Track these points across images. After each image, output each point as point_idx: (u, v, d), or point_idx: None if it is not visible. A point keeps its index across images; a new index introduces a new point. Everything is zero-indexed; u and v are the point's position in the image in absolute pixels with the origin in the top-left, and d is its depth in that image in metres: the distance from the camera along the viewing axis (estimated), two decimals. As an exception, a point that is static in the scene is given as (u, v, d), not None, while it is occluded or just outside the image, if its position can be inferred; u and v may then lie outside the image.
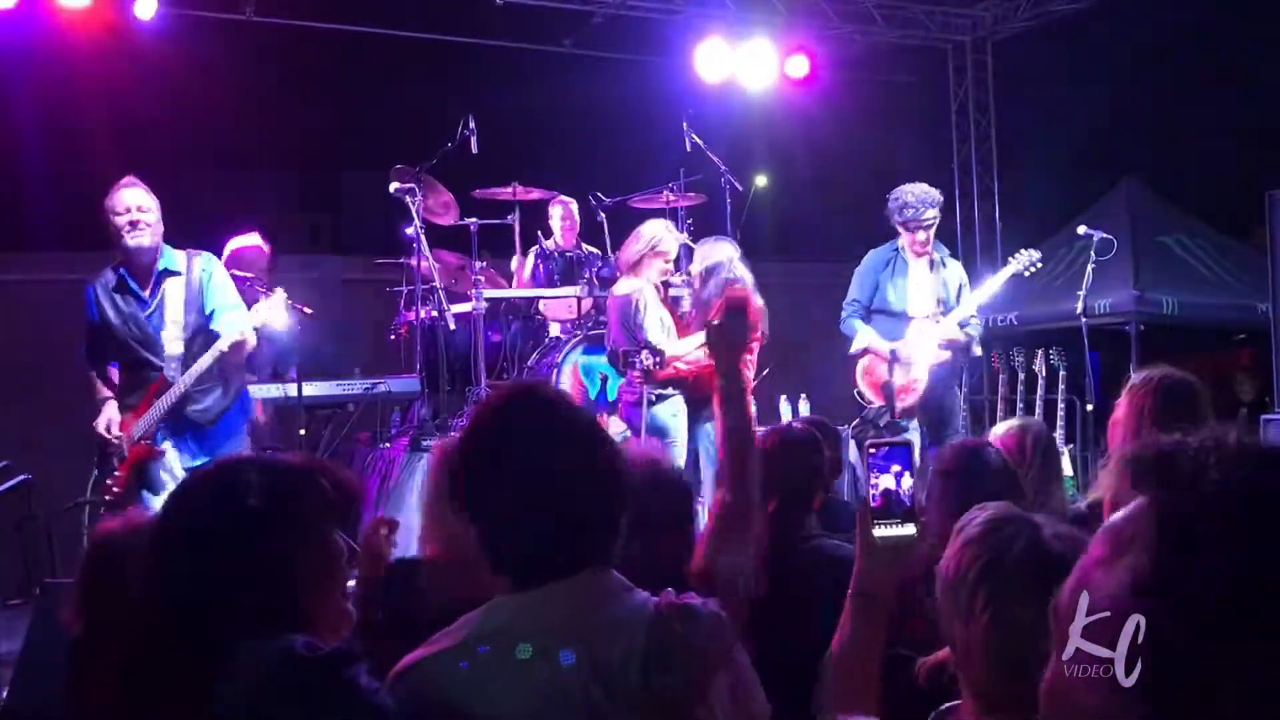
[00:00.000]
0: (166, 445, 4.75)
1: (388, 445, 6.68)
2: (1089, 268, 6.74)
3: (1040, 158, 10.66)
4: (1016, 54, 10.80)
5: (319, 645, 1.58)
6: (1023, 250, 6.40)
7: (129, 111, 7.91)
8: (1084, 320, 6.75)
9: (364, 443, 6.95)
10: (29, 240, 8.15)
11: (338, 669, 1.56)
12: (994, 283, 6.28)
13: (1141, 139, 10.30)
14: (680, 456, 5.70)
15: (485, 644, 1.60)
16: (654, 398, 5.60)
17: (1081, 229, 7.08)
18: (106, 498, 4.67)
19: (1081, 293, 6.71)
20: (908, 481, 1.83)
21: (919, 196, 6.02)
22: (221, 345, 4.66)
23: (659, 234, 5.94)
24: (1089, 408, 7.32)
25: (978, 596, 1.53)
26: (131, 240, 4.66)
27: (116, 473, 4.69)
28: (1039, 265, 6.38)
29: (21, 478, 6.45)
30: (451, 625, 1.67)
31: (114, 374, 4.86)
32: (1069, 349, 7.46)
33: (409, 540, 5.98)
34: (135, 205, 4.68)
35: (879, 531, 1.82)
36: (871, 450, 1.86)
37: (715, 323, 2.15)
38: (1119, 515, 0.89)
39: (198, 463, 4.69)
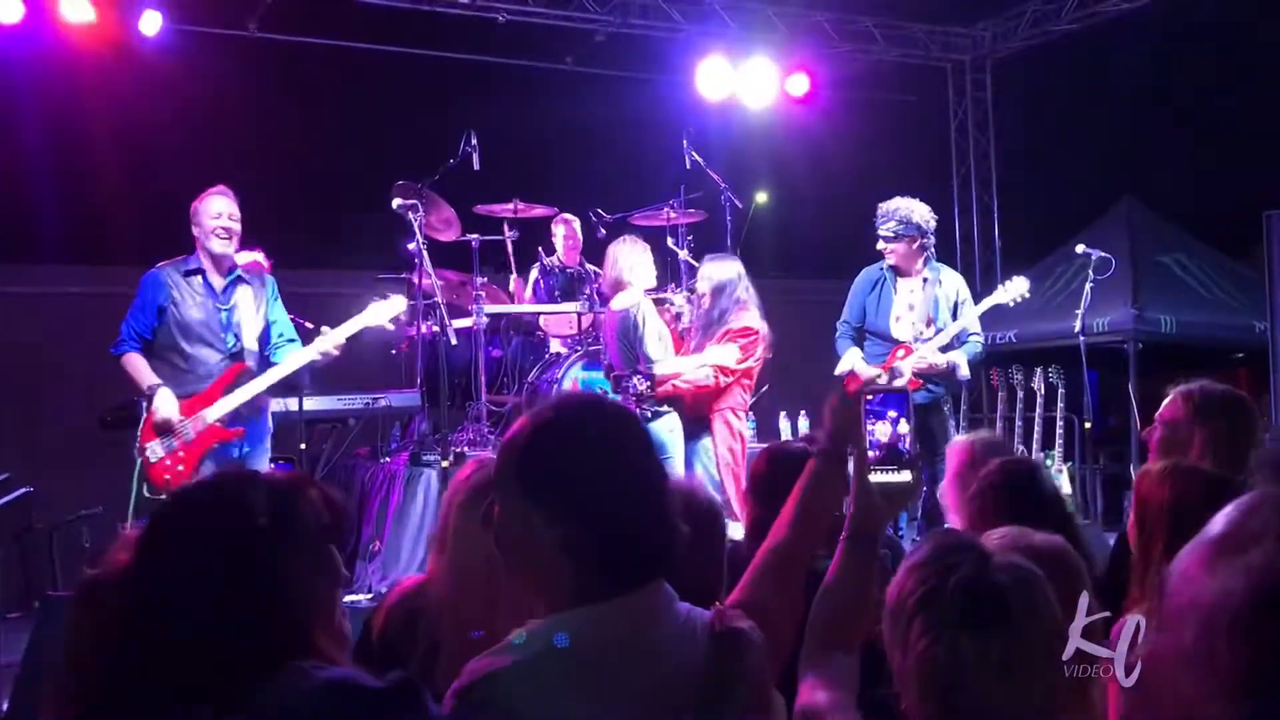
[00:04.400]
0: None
1: (388, 460, 6.70)
2: (1087, 286, 6.77)
3: (1039, 176, 10.71)
4: (1016, 73, 10.85)
5: (369, 676, 1.52)
6: (1014, 279, 6.33)
7: (133, 126, 7.94)
8: (1082, 338, 6.77)
9: (364, 457, 6.97)
10: (33, 253, 8.18)
11: (409, 699, 1.50)
12: (978, 309, 6.12)
13: (1140, 158, 10.33)
14: (678, 472, 5.73)
15: (554, 658, 1.55)
16: (650, 414, 5.62)
17: (1080, 247, 7.11)
18: (166, 477, 4.81)
19: (1080, 311, 6.73)
20: (904, 427, 1.84)
21: (884, 210, 6.00)
22: (319, 349, 5.01)
23: (632, 248, 6.08)
24: (1087, 426, 7.35)
25: (914, 624, 1.52)
26: (219, 246, 5.02)
27: (180, 453, 4.83)
28: (1027, 296, 6.30)
29: (23, 490, 6.46)
30: (507, 639, 1.61)
31: (144, 362, 4.99)
32: (1067, 367, 7.48)
33: (412, 558, 5.98)
34: (229, 213, 5.04)
35: (876, 477, 1.83)
36: (868, 398, 1.86)
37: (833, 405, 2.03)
38: (1227, 512, 0.87)
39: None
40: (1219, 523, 0.87)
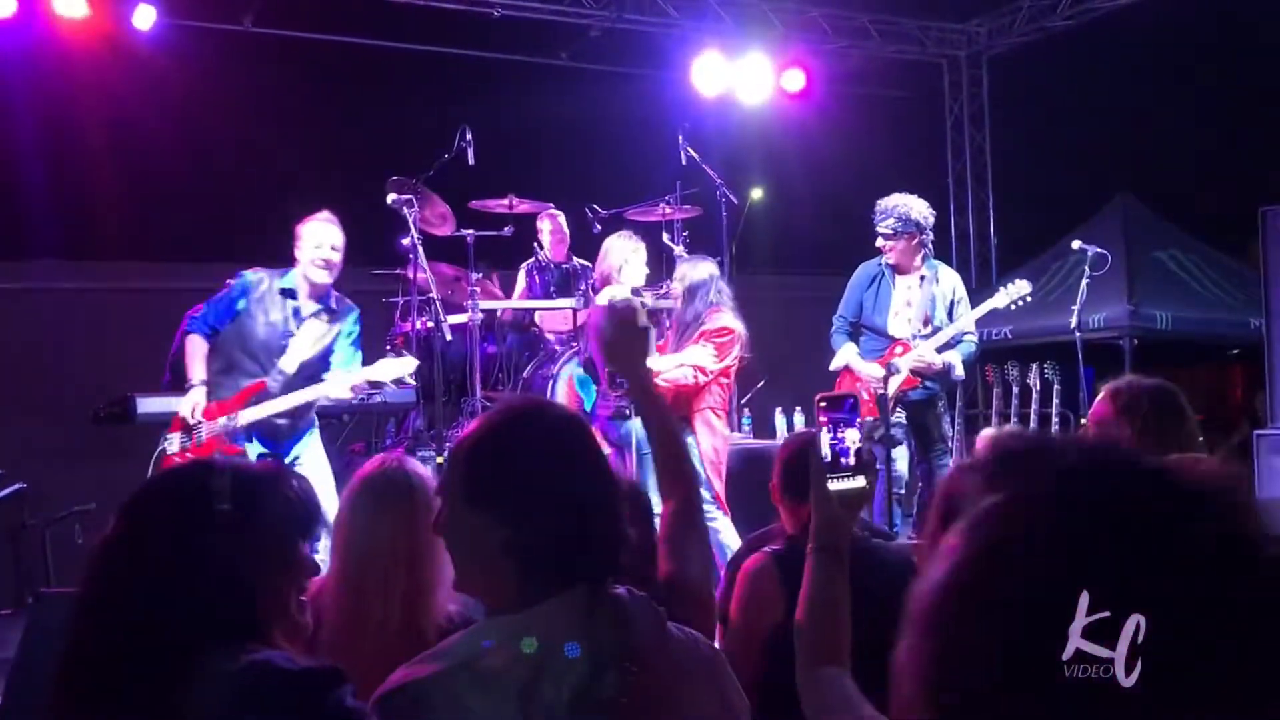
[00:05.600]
0: (246, 448, 4.92)
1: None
2: (1083, 282, 6.76)
3: (1035, 173, 10.71)
4: (1011, 69, 10.85)
5: (296, 660, 1.54)
6: (1014, 282, 6.30)
7: (127, 121, 7.92)
8: (1078, 335, 6.77)
9: (359, 453, 6.94)
10: (26, 249, 8.15)
11: (324, 686, 1.52)
12: (977, 312, 6.12)
13: (1136, 154, 10.34)
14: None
15: (481, 665, 1.52)
16: (630, 412, 5.61)
17: (1076, 244, 7.10)
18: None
19: (1076, 307, 6.72)
20: (856, 434, 1.83)
21: (883, 207, 5.99)
22: (323, 391, 4.90)
23: (625, 243, 6.09)
24: (1083, 422, 7.34)
25: None
26: (317, 277, 4.98)
27: (189, 453, 4.83)
28: (1028, 299, 6.30)
29: (16, 486, 6.45)
30: (437, 647, 1.61)
31: (203, 351, 4.96)
32: (1063, 363, 7.47)
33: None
34: (332, 244, 5.00)
35: (833, 485, 1.81)
36: (822, 405, 1.86)
37: (608, 337, 2.18)
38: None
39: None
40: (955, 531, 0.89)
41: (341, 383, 4.92)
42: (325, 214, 5.06)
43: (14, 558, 6.46)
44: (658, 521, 2.36)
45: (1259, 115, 9.70)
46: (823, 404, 1.84)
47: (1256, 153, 9.51)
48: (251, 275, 5.05)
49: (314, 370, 5.04)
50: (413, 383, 5.49)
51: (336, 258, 5.02)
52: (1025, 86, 10.73)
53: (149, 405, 5.88)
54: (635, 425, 5.65)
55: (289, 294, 5.01)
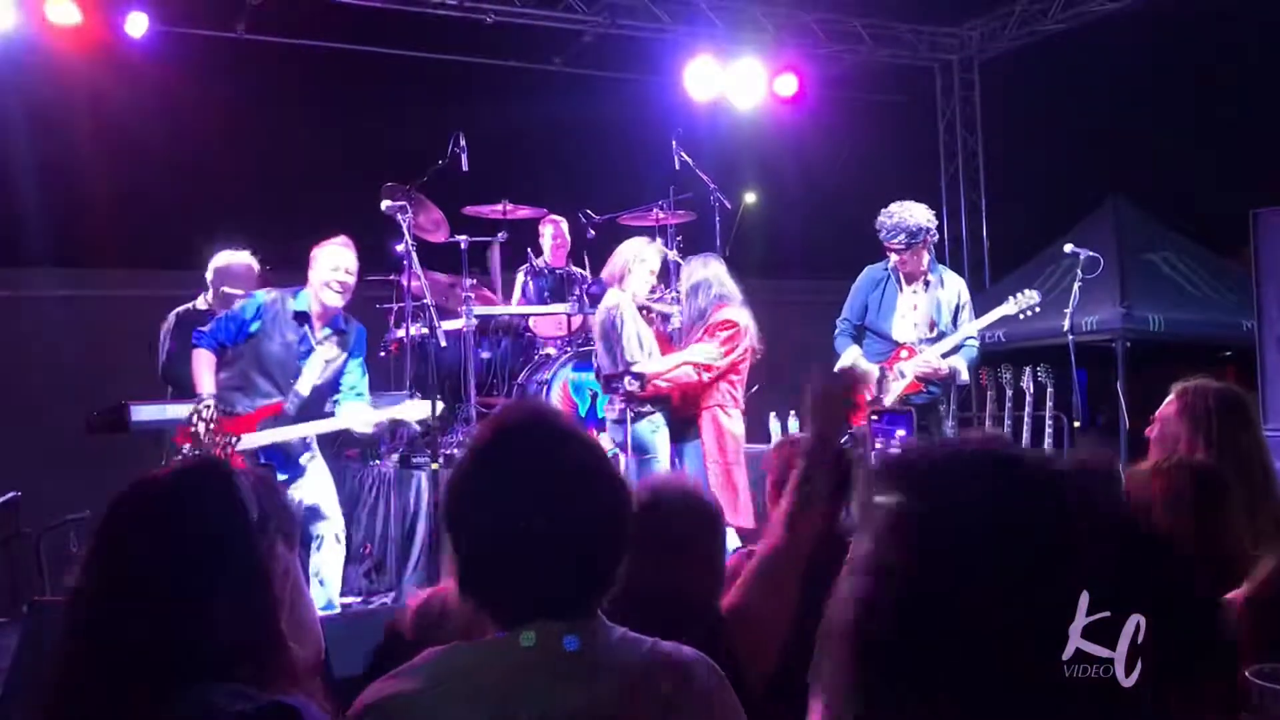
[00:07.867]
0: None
1: (378, 463, 6.68)
2: (1076, 285, 6.77)
3: (1027, 176, 10.73)
4: (1004, 73, 10.88)
5: (250, 694, 1.40)
6: (1024, 291, 6.32)
7: (120, 127, 7.90)
8: (1071, 337, 6.78)
9: (354, 459, 6.94)
10: (20, 256, 8.13)
11: None
12: (985, 319, 6.15)
13: (1128, 157, 10.36)
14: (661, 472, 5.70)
15: (462, 686, 1.49)
16: (634, 415, 5.59)
17: (1068, 247, 7.12)
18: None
19: (1069, 310, 6.73)
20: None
21: (888, 224, 5.92)
22: (346, 424, 5.11)
23: (638, 248, 6.00)
24: (1076, 424, 7.36)
25: None
26: (330, 300, 5.07)
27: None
28: (1037, 309, 6.30)
29: (10, 495, 6.43)
30: (410, 663, 1.55)
31: (211, 364, 5.01)
32: (1056, 366, 7.49)
33: (403, 560, 5.99)
34: (346, 268, 5.09)
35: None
36: (874, 417, 1.83)
37: (817, 395, 2.08)
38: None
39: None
40: (866, 541, 0.96)
41: (365, 419, 5.10)
42: (341, 238, 5.17)
43: (8, 566, 6.44)
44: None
45: (1250, 117, 9.72)
46: (874, 416, 1.84)
47: (1247, 155, 9.54)
48: (264, 295, 5.14)
49: (326, 392, 5.17)
50: (428, 423, 5.52)
51: (351, 280, 5.12)
52: (1017, 90, 10.75)
53: (143, 413, 5.84)
54: (638, 429, 5.62)
55: (302, 317, 5.09)
